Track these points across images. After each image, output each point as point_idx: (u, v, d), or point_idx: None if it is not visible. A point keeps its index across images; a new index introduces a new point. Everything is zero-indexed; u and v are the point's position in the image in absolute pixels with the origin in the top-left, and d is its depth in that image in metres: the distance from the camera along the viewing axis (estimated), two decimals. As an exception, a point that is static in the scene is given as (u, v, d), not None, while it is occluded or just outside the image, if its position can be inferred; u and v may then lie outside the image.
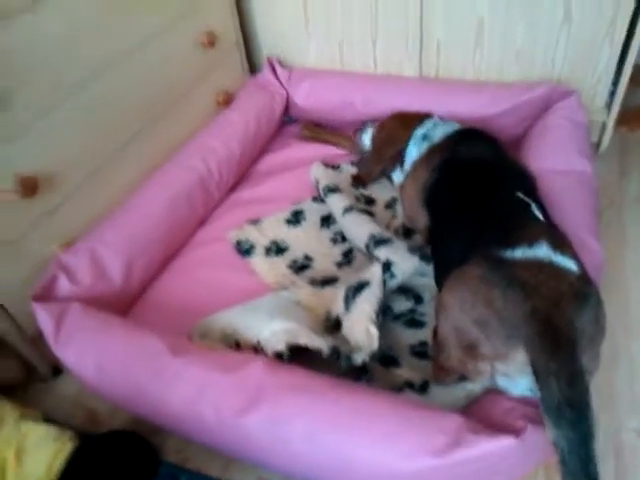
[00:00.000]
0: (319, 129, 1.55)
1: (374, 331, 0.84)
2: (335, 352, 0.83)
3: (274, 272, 1.14)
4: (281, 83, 1.53)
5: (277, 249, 1.20)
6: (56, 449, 0.85)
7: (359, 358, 0.82)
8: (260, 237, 1.22)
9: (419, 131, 1.23)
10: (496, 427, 0.70)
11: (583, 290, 0.75)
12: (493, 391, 0.81)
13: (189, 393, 0.78)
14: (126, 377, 0.83)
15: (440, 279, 0.92)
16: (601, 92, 1.31)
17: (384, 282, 0.94)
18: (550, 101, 1.27)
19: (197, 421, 0.78)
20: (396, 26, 1.39)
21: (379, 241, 1.00)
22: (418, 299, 1.03)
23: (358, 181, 1.34)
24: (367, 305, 0.88)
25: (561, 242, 0.82)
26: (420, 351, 0.96)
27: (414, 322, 1.00)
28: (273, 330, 0.89)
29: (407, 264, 0.97)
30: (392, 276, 0.96)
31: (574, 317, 0.72)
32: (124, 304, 1.06)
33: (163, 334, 0.88)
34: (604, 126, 1.34)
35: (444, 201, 1.04)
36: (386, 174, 1.33)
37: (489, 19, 1.29)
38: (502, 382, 0.78)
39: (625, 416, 0.89)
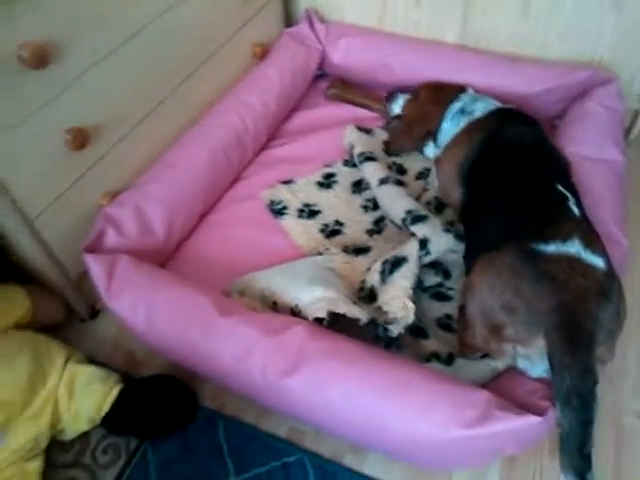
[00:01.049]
0: (348, 88, 1.53)
1: (411, 305, 0.89)
2: (372, 322, 0.88)
3: (306, 236, 1.18)
4: (318, 38, 1.50)
5: (309, 212, 1.23)
6: (104, 391, 0.92)
7: (395, 330, 0.88)
8: (292, 199, 1.25)
9: (455, 105, 1.23)
10: (522, 405, 0.77)
11: (608, 287, 0.81)
12: (516, 371, 0.87)
13: (236, 352, 0.84)
14: (175, 332, 0.88)
15: (470, 259, 0.97)
16: (639, 80, 1.31)
17: (419, 258, 0.99)
18: (589, 86, 1.28)
19: (243, 378, 0.85)
20: (442, -11, 1.36)
21: (416, 217, 1.04)
22: (447, 274, 1.08)
23: (390, 149, 1.35)
24: (404, 281, 0.93)
25: (592, 239, 0.86)
26: (446, 323, 1.02)
27: (441, 296, 1.06)
28: (313, 296, 0.94)
29: (442, 242, 1.01)
30: (427, 253, 1.00)
31: (597, 313, 0.78)
32: (164, 257, 1.10)
33: (209, 291, 0.92)
34: (637, 114, 1.35)
35: (483, 182, 1.06)
36: (417, 149, 1.34)
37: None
38: (522, 363, 0.84)
39: (629, 399, 0.97)
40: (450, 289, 1.07)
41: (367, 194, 1.26)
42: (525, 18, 1.32)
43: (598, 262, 0.82)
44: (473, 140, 1.13)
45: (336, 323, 0.90)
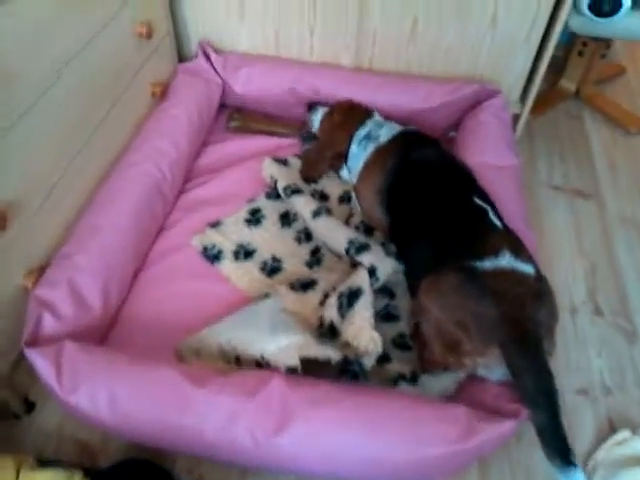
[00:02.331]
0: (249, 118, 1.53)
1: (377, 336, 0.92)
2: (346, 360, 0.91)
3: (247, 277, 1.16)
4: (216, 70, 1.47)
5: (245, 253, 1.21)
6: (71, 493, 0.83)
7: (369, 363, 0.91)
8: (225, 241, 1.22)
9: (361, 131, 1.30)
10: (493, 411, 0.85)
11: (540, 289, 0.92)
12: (477, 378, 0.95)
13: (219, 423, 0.81)
14: (147, 415, 0.82)
15: (412, 280, 1.04)
16: (517, 88, 1.48)
17: (371, 286, 1.03)
18: (478, 98, 1.41)
19: (230, 447, 0.82)
20: (335, 15, 1.40)
21: (360, 247, 1.07)
22: (391, 294, 1.13)
23: (306, 176, 1.38)
24: (366, 312, 0.96)
25: (518, 247, 0.97)
26: (401, 343, 1.07)
27: (390, 316, 1.11)
28: (280, 345, 0.93)
29: (388, 267, 1.06)
30: (376, 280, 1.05)
31: (536, 315, 0.88)
32: (104, 329, 1.02)
33: (172, 363, 0.88)
34: (518, 118, 1.52)
35: (404, 204, 1.13)
36: (333, 170, 1.38)
37: (423, 17, 1.37)
38: (482, 371, 0.92)
39: (565, 379, 1.10)
40: (396, 307, 1.12)
41: (297, 226, 1.27)
42: (413, 42, 1.42)
43: (528, 269, 0.92)
44: (385, 166, 1.20)
45: (304, 365, 0.91)
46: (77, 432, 0.99)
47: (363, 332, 0.93)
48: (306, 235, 1.25)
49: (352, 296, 0.99)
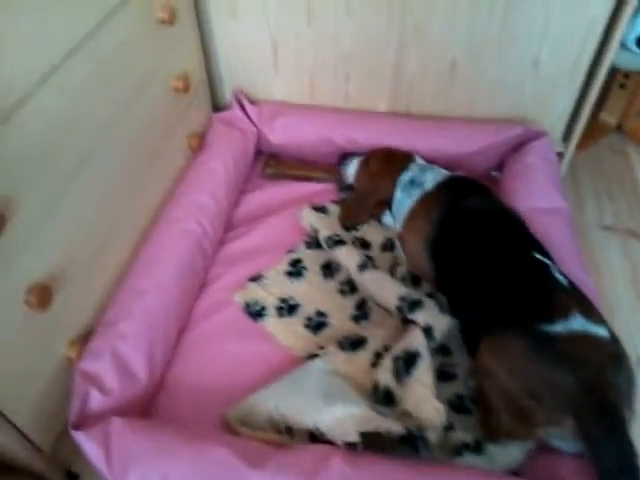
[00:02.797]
0: (285, 164, 1.51)
1: (441, 407, 0.86)
2: (410, 434, 0.84)
3: (293, 335, 1.12)
4: (251, 120, 1.46)
5: (288, 308, 1.17)
6: None
7: (434, 437, 0.85)
8: (268, 296, 1.18)
9: (405, 176, 1.26)
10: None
11: (617, 353, 0.85)
12: (549, 448, 0.88)
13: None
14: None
15: (471, 338, 0.97)
16: (560, 127, 1.43)
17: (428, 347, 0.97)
18: (521, 141, 1.37)
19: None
20: (370, 60, 1.38)
21: (412, 304, 1.02)
22: (445, 351, 1.07)
23: (346, 224, 1.34)
24: (426, 378, 0.90)
25: (588, 307, 0.90)
26: (458, 405, 1.00)
27: (445, 375, 1.04)
28: (336, 416, 0.88)
29: (444, 325, 1.00)
30: (433, 340, 0.99)
31: (616, 382, 0.81)
32: (149, 397, 0.98)
33: (228, 440, 0.83)
34: (561, 157, 1.47)
35: (454, 258, 1.07)
36: (374, 218, 1.34)
37: (462, 58, 1.34)
38: (556, 442, 0.85)
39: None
40: (451, 366, 1.06)
41: (340, 277, 1.23)
42: (451, 83, 1.39)
43: (602, 331, 0.85)
44: (432, 215, 1.14)
45: (363, 439, 0.85)
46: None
47: (425, 402, 0.87)
48: (350, 287, 1.20)
49: (409, 361, 0.94)
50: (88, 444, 0.78)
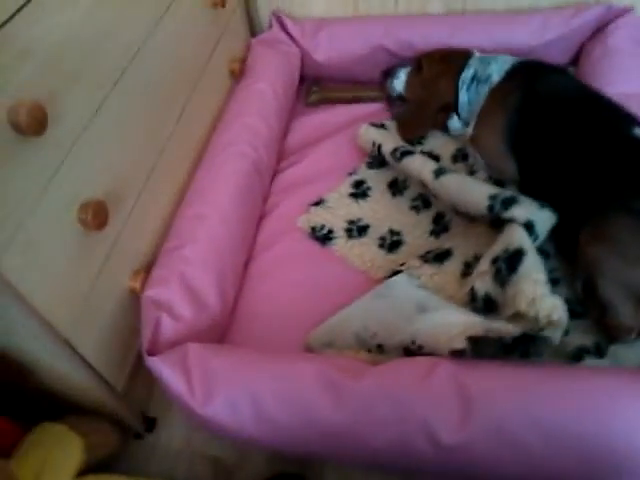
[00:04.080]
0: (329, 88, 1.39)
1: (559, 302, 0.74)
2: (524, 336, 0.73)
3: (367, 256, 1.01)
4: (294, 40, 1.33)
5: (358, 229, 1.06)
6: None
7: (558, 335, 0.73)
8: (334, 219, 1.08)
9: (467, 74, 1.13)
10: None
11: None
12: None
13: (392, 416, 0.66)
14: (299, 415, 0.68)
15: (566, 232, 0.86)
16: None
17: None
18: (602, 22, 1.20)
19: (405, 454, 0.66)
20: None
21: (507, 200, 0.89)
22: (545, 254, 0.94)
23: (406, 137, 1.21)
24: (538, 275, 0.78)
25: None
26: (568, 309, 0.88)
27: (550, 280, 0.92)
28: (435, 324, 0.77)
29: (546, 221, 0.87)
30: (536, 237, 0.86)
31: None
32: (222, 328, 0.89)
33: (319, 359, 0.74)
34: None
35: (540, 148, 0.96)
36: (437, 127, 1.21)
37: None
38: None
39: None
40: (553, 270, 0.93)
41: (410, 193, 1.11)
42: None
43: None
44: (508, 106, 1.03)
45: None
46: (207, 448, 0.86)
47: (540, 299, 0.74)
48: (424, 202, 1.09)
49: (513, 259, 0.81)
50: (166, 369, 0.69)
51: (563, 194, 0.90)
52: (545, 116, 0.97)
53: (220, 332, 0.89)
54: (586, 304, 0.86)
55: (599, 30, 1.20)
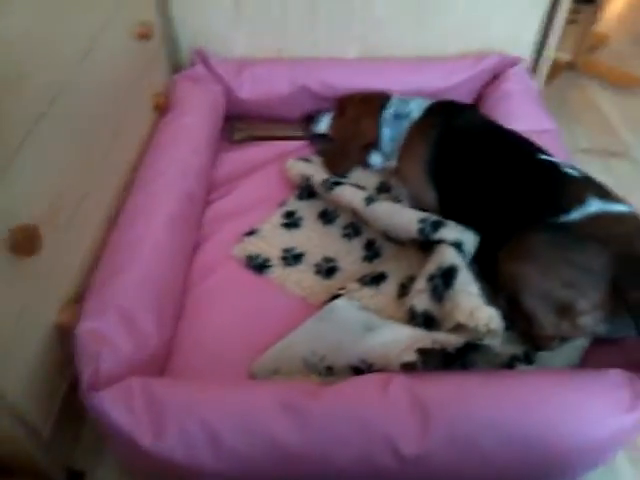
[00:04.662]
0: (255, 125, 1.42)
1: (494, 312, 0.79)
2: (469, 345, 0.77)
3: (305, 282, 1.02)
4: (218, 78, 1.35)
5: (293, 257, 1.07)
6: None
7: (497, 342, 0.78)
8: (269, 248, 1.08)
9: (387, 113, 1.22)
10: None
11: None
12: (602, 342, 0.84)
13: (352, 438, 0.65)
14: (260, 445, 0.65)
15: (485, 253, 0.94)
16: (528, 59, 1.43)
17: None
18: (497, 71, 1.36)
19: (370, 470, 0.66)
20: (338, 4, 1.33)
21: (435, 223, 0.95)
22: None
23: (332, 173, 1.26)
24: (472, 287, 0.83)
25: (604, 191, 0.89)
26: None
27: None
28: (385, 341, 0.79)
29: (471, 241, 0.94)
30: (464, 256, 0.93)
31: None
32: (162, 359, 0.84)
33: (270, 384, 0.72)
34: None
35: (458, 176, 1.05)
36: (361, 164, 1.28)
37: (430, -6, 1.32)
38: (603, 328, 0.81)
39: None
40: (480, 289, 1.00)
41: (341, 222, 1.15)
42: (421, 22, 1.36)
43: (622, 207, 0.85)
44: (428, 139, 1.12)
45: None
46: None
47: (478, 310, 0.79)
48: (354, 229, 1.13)
49: (447, 275, 0.87)
50: (111, 406, 0.64)
51: (481, 218, 0.98)
52: (461, 148, 1.07)
53: (161, 363, 0.84)
54: (512, 318, 0.93)
55: (496, 76, 1.36)
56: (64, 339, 0.76)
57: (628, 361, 0.78)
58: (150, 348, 0.79)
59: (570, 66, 1.75)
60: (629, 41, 1.94)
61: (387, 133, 1.21)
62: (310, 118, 1.34)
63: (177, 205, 0.99)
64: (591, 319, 0.80)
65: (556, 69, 1.73)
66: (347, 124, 1.27)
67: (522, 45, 1.40)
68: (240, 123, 1.42)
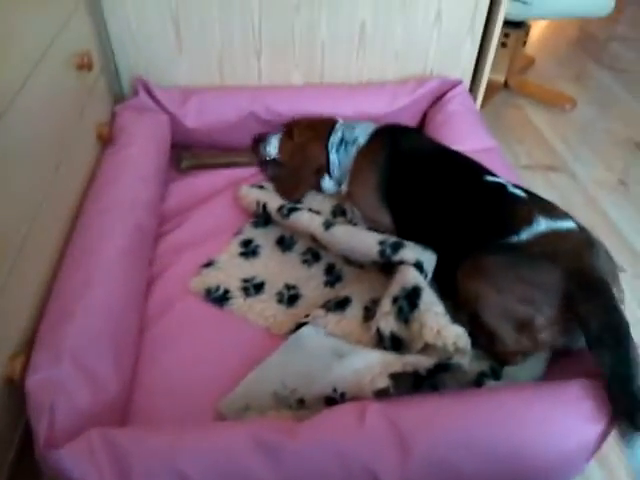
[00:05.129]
0: (201, 154, 1.39)
1: (461, 330, 0.80)
2: (439, 365, 0.77)
3: (268, 312, 1.00)
4: (162, 107, 1.32)
5: (254, 286, 1.05)
6: None
7: (466, 361, 0.78)
8: (228, 279, 1.05)
9: (334, 138, 1.23)
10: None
11: (588, 239, 0.88)
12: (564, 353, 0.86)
13: (331, 470, 0.63)
14: None
15: (443, 272, 0.95)
16: (466, 80, 1.50)
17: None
18: (440, 92, 1.40)
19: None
20: (281, 32, 1.34)
21: (394, 245, 0.96)
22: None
23: (286, 199, 1.25)
24: (437, 307, 0.84)
25: (551, 209, 0.93)
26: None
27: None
28: (356, 369, 0.78)
29: (431, 259, 0.95)
30: (425, 275, 0.93)
31: (594, 262, 0.83)
32: (122, 406, 0.79)
33: (240, 424, 0.69)
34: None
35: (409, 198, 1.07)
36: (314, 188, 1.28)
37: (370, 20, 1.35)
38: (563, 341, 0.84)
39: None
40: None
41: (299, 248, 1.14)
42: (362, 47, 1.39)
43: (569, 224, 0.88)
44: (376, 162, 1.14)
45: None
46: None
47: (445, 329, 0.80)
48: (313, 255, 1.12)
49: (412, 296, 0.87)
50: (72, 463, 0.59)
51: (436, 238, 0.99)
52: (409, 171, 1.09)
53: (122, 410, 0.78)
54: (474, 335, 0.94)
55: (438, 99, 1.41)
56: (14, 394, 0.69)
57: (587, 371, 0.81)
58: (109, 395, 0.74)
59: (505, 86, 1.84)
60: (553, 62, 2.08)
61: (335, 159, 1.22)
62: (259, 140, 1.33)
63: (127, 240, 0.94)
64: (549, 334, 0.82)
65: (492, 90, 1.82)
66: (296, 149, 1.27)
67: (459, 68, 1.47)
68: (186, 152, 1.39)
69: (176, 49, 1.33)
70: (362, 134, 1.20)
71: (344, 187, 1.21)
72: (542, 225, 0.87)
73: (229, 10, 1.28)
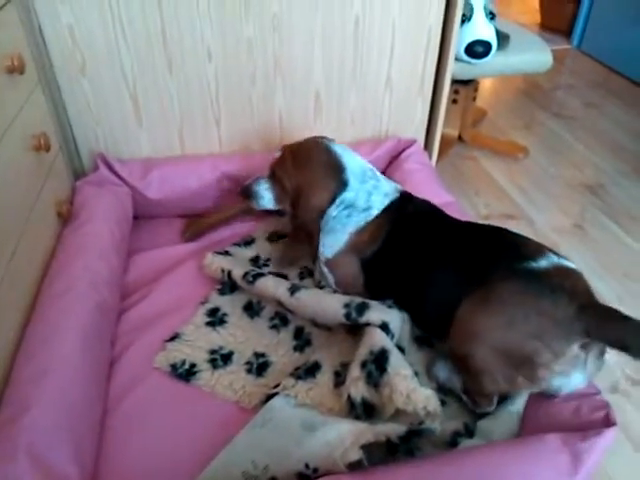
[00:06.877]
0: (199, 220, 1.37)
1: (430, 393, 0.79)
2: (411, 431, 0.76)
3: (237, 385, 0.97)
4: (123, 180, 1.32)
5: (222, 357, 1.02)
6: None
7: (437, 425, 0.77)
8: (194, 352, 1.03)
9: (346, 196, 1.10)
10: (587, 427, 0.76)
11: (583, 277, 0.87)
12: (542, 404, 0.86)
13: None
14: None
15: (436, 316, 0.93)
16: (420, 139, 1.56)
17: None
18: (396, 152, 1.45)
19: None
20: (239, 102, 1.38)
21: (360, 307, 0.96)
22: (401, 350, 1.01)
23: (290, 264, 1.23)
24: (405, 370, 0.83)
25: (551, 249, 0.91)
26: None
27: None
28: (326, 441, 0.76)
29: (397, 319, 0.96)
30: (392, 336, 0.93)
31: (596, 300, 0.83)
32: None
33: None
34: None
35: (401, 257, 1.02)
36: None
37: (324, 89, 1.41)
38: (558, 382, 0.82)
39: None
40: (412, 364, 1.00)
41: (267, 313, 1.13)
42: (318, 115, 1.44)
43: (572, 264, 0.88)
44: (379, 238, 1.06)
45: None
46: None
47: (414, 393, 0.79)
48: (281, 319, 1.11)
49: (379, 360, 0.86)
50: None
51: (435, 280, 0.95)
52: (409, 235, 1.04)
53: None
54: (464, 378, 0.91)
55: (394, 158, 1.46)
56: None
57: (560, 422, 0.81)
58: (70, 491, 0.70)
59: (459, 140, 1.92)
60: (504, 113, 2.18)
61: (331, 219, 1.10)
62: (246, 194, 1.20)
63: (87, 320, 0.92)
64: (549, 371, 0.80)
65: (447, 144, 1.89)
66: (297, 197, 1.13)
67: (413, 127, 1.53)
68: (189, 221, 1.38)
69: (136, 123, 1.35)
70: (378, 206, 1.07)
71: (327, 254, 1.10)
72: (553, 259, 0.86)
73: (186, 82, 1.32)
